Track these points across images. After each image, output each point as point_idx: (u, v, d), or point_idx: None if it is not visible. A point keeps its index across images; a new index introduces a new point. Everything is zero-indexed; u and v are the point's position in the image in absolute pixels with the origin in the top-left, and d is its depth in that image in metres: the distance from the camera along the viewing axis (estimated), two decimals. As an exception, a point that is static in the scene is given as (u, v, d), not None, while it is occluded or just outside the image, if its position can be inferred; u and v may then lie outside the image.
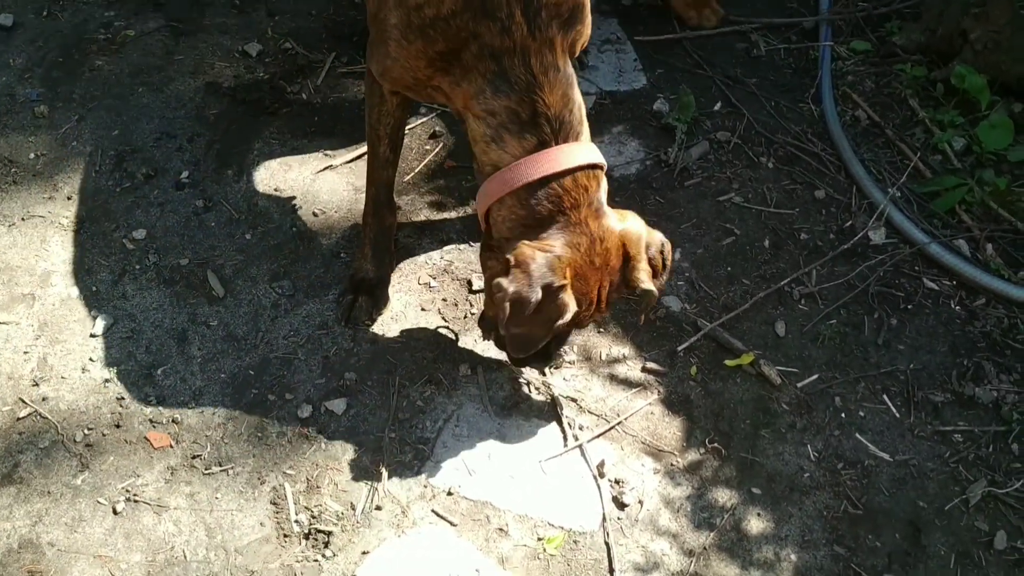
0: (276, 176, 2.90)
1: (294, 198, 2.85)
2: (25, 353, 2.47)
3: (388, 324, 2.60)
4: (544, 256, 2.00)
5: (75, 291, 2.59)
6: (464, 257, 2.75)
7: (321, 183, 2.90)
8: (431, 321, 2.61)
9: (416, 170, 2.95)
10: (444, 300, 2.66)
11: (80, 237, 2.70)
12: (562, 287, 2.00)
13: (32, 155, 2.89)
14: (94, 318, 2.54)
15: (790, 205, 2.91)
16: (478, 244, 2.67)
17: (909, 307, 2.67)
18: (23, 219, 2.74)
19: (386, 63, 2.15)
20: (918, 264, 2.76)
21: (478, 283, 2.69)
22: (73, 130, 2.96)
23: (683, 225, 2.85)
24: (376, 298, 2.57)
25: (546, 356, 2.30)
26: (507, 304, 2.00)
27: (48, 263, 2.65)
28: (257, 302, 2.61)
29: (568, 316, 2.02)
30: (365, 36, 3.23)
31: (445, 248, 2.77)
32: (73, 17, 3.28)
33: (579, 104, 2.07)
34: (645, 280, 2.10)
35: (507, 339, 2.12)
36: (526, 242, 2.02)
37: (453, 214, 2.85)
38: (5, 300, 2.57)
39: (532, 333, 2.07)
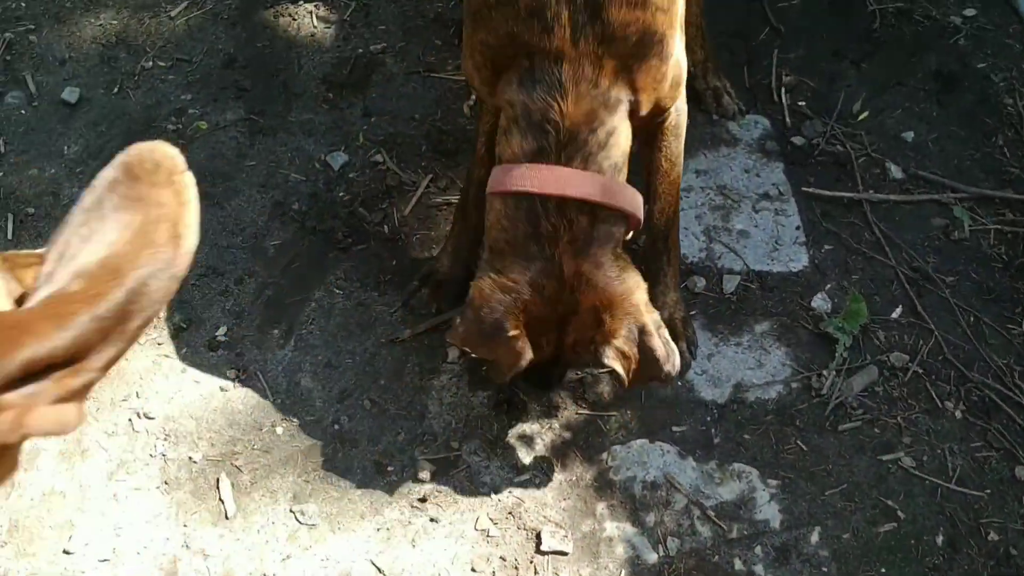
0: (331, 344, 2.28)
1: (345, 379, 2.23)
2: (-15, 565, 1.95)
3: (425, 586, 1.96)
4: (501, 299, 1.79)
5: (61, 482, 2.06)
6: (539, 495, 2.08)
7: (383, 361, 2.26)
8: (480, 589, 1.95)
9: (500, 354, 2.28)
10: (503, 559, 2.00)
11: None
12: (514, 336, 1.79)
13: (58, 279, 2.36)
14: (73, 526, 2.00)
15: (978, 483, 2.10)
16: (559, 477, 2.01)
17: None
18: (29, 367, 2.21)
19: (464, 54, 1.98)
20: None
21: (549, 540, 2.01)
22: (111, 250, 2.41)
23: (828, 491, 2.09)
24: (440, 294, 2.29)
25: (545, 383, 2.08)
26: (460, 345, 1.93)
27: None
28: (270, 529, 2.02)
29: (523, 363, 1.81)
30: (467, 152, 2.60)
31: (518, 478, 2.10)
32: (145, 98, 2.73)
33: (612, 132, 1.79)
34: (610, 358, 1.80)
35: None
36: (492, 275, 1.82)
37: (536, 426, 2.18)
38: (-20, 483, 2.05)
39: (495, 364, 1.91)
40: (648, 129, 2.05)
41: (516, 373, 1.88)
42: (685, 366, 2.23)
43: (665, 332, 1.87)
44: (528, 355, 1.81)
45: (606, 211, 1.79)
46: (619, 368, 1.82)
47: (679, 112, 2.06)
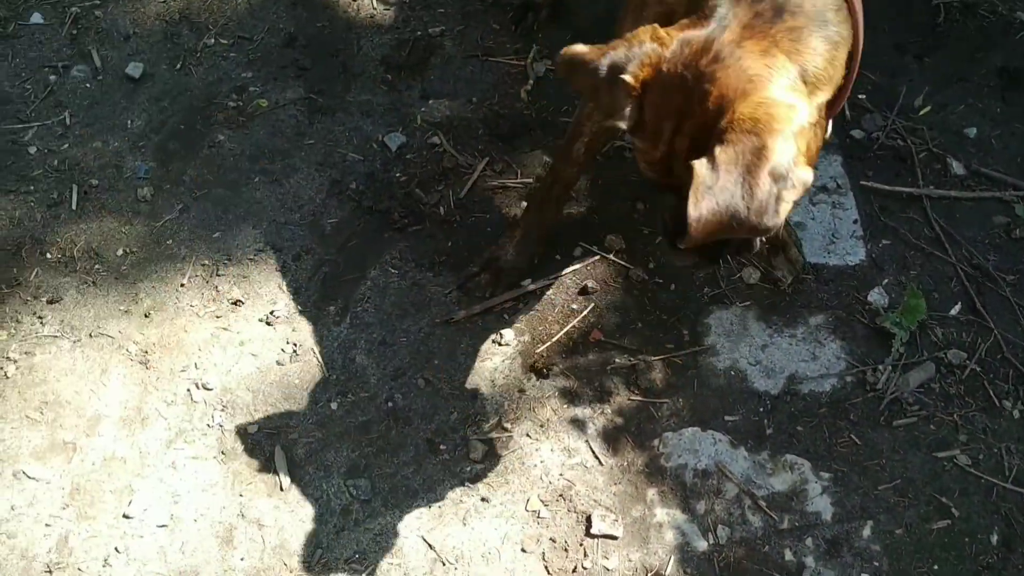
0: (385, 323, 2.30)
1: (400, 357, 2.24)
2: (47, 526, 1.99)
3: (477, 564, 1.97)
4: (650, 46, 1.47)
5: (121, 448, 2.09)
6: (590, 479, 2.08)
7: (437, 340, 2.28)
8: (530, 569, 1.96)
9: (554, 338, 2.29)
10: (552, 541, 2.01)
11: (144, 374, 2.20)
12: (626, 84, 1.47)
13: (121, 251, 2.40)
14: (133, 492, 2.04)
15: (1036, 483, 2.07)
16: (610, 461, 2.02)
17: None
18: (91, 335, 2.26)
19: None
20: None
21: (599, 523, 2.02)
22: (172, 224, 2.45)
23: (881, 486, 2.07)
24: (500, 282, 2.30)
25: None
26: (570, 55, 1.51)
27: (102, 403, 2.15)
28: (325, 503, 2.04)
29: (620, 115, 1.49)
30: (524, 136, 2.61)
31: (569, 461, 2.11)
32: (207, 74, 2.75)
33: None
34: (705, 157, 1.39)
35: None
36: (656, 27, 1.50)
37: (588, 411, 2.18)
38: (44, 446, 2.09)
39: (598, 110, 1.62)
40: None
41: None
42: (800, 267, 2.29)
43: (795, 190, 1.41)
44: (625, 112, 1.50)
45: None
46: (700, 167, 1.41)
47: None
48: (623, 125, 1.51)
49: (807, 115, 1.45)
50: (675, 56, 1.46)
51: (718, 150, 1.39)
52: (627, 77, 1.48)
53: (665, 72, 1.47)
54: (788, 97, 1.44)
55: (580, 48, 1.52)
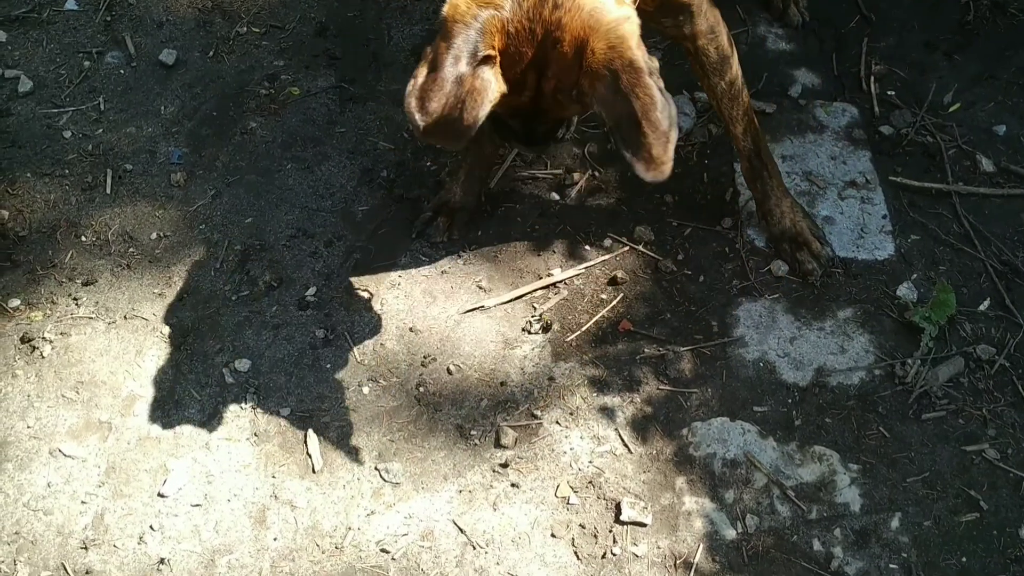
0: (415, 310, 2.31)
1: (429, 344, 2.26)
2: (83, 503, 2.02)
3: (507, 549, 1.99)
4: (476, 15, 1.57)
5: (156, 428, 2.12)
6: (619, 467, 2.10)
7: (465, 328, 2.30)
8: (559, 555, 1.98)
9: (584, 327, 2.30)
10: (582, 527, 2.02)
11: (178, 356, 2.22)
12: (486, 58, 1.58)
13: (155, 234, 2.43)
14: (168, 471, 2.06)
15: (1064, 478, 2.08)
16: (639, 450, 2.04)
17: None
18: (126, 317, 2.28)
19: None
20: None
21: (629, 510, 2.03)
22: (205, 209, 2.48)
23: (910, 478, 2.08)
24: (455, 221, 2.40)
25: (531, 139, 1.81)
26: (417, 94, 1.62)
27: (136, 384, 2.18)
28: (355, 485, 2.06)
29: (488, 98, 1.58)
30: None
31: (598, 449, 2.12)
32: (239, 62, 2.78)
33: None
34: (586, 92, 1.59)
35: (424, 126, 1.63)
36: None
37: (617, 400, 2.20)
38: (80, 425, 2.12)
39: (452, 118, 1.61)
40: (697, 66, 2.11)
41: (499, 134, 1.76)
42: (827, 259, 2.36)
43: (659, 78, 1.60)
44: (496, 87, 1.59)
45: None
46: (605, 115, 1.59)
47: (713, 43, 2.05)
48: (493, 96, 1.58)
49: (635, 15, 1.62)
50: (516, 14, 1.57)
51: (600, 84, 1.56)
52: (485, 51, 1.56)
53: (513, 32, 1.57)
54: (621, 12, 1.60)
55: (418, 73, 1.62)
